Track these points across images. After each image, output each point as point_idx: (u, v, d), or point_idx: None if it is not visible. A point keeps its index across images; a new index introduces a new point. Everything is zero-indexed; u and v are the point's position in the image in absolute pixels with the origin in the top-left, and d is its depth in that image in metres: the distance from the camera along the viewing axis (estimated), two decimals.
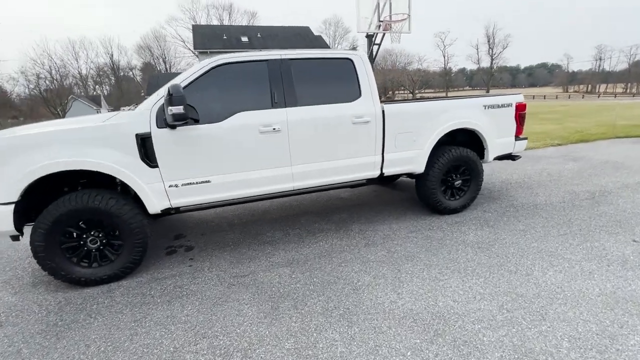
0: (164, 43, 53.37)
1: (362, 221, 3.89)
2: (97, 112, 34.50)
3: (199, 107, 2.80)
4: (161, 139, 2.69)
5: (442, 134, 3.61)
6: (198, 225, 4.10)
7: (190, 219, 4.34)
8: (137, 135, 2.63)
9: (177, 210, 2.97)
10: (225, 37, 25.40)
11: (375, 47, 10.36)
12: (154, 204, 2.77)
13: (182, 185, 2.83)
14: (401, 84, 44.21)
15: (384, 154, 3.45)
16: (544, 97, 44.64)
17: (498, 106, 3.87)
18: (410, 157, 3.58)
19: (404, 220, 3.84)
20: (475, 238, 3.30)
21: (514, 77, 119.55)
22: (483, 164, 3.96)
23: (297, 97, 3.08)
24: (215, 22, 50.83)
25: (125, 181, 2.64)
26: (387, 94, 59.25)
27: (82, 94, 48.62)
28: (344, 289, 2.53)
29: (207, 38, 24.69)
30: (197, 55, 25.92)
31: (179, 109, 2.48)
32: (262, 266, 2.95)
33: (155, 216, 3.07)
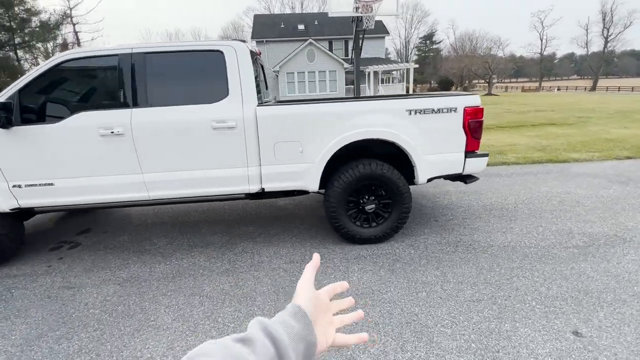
0: (241, 33, 56.96)
1: (258, 239, 3.37)
2: None
3: (42, 106, 2.68)
4: None
5: (342, 144, 2.83)
6: (117, 220, 4.11)
7: (118, 213, 4.38)
8: None
9: (33, 210, 2.94)
10: (282, 26, 25.72)
11: (361, 34, 9.06)
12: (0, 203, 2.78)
13: (26, 186, 2.76)
14: (475, 72, 38.81)
15: (262, 167, 2.88)
16: None
17: (432, 111, 2.88)
18: (296, 171, 2.91)
19: (308, 244, 3.21)
20: (355, 285, 2.52)
21: None
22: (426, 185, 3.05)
23: (147, 96, 2.71)
24: (288, 11, 52.03)
25: None
26: (462, 85, 53.43)
27: None
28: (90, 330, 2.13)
29: (265, 27, 25.33)
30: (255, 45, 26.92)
31: None
32: (100, 279, 2.74)
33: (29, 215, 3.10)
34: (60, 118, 2.67)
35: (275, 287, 2.54)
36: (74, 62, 2.70)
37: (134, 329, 2.14)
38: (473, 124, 2.93)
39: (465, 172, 3.08)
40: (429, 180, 3.06)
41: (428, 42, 67.66)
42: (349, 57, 25.85)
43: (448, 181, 4.83)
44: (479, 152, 3.09)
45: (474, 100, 2.91)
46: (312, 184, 2.91)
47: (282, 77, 22.21)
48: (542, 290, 2.37)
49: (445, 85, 54.36)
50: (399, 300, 2.33)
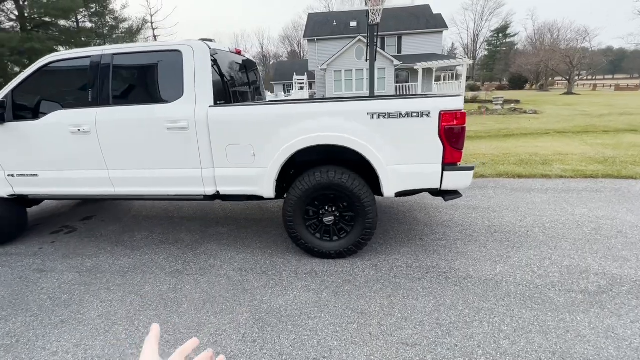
0: (300, 32, 58.33)
1: (224, 242, 3.31)
2: None
3: (29, 104, 2.96)
4: None
5: (294, 150, 2.60)
6: (118, 210, 4.42)
7: (122, 203, 4.72)
8: None
9: (27, 197, 3.27)
10: (335, 24, 25.48)
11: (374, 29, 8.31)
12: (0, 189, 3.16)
13: (17, 175, 3.09)
14: (554, 69, 33.53)
15: (215, 169, 2.79)
16: None
17: (398, 115, 2.47)
18: (250, 176, 2.76)
19: (268, 252, 3.05)
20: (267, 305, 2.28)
21: None
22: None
23: (111, 96, 2.80)
24: (347, 9, 51.71)
25: None
26: (538, 82, 47.37)
27: None
28: None
29: (318, 25, 25.36)
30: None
31: None
32: (68, 266, 2.92)
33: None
34: (43, 115, 2.93)
35: (208, 295, 2.44)
36: (57, 63, 2.93)
37: (61, 320, 2.24)
38: (451, 131, 2.46)
39: (445, 188, 2.61)
40: (400, 194, 2.67)
41: (500, 35, 61.30)
42: (401, 53, 24.69)
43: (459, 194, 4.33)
44: (461, 164, 2.60)
45: (453, 102, 2.44)
46: (266, 190, 2.74)
47: (329, 75, 22.09)
48: (502, 344, 1.88)
49: (517, 83, 48.81)
50: (322, 329, 2.05)
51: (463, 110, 2.46)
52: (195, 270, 2.80)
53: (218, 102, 2.83)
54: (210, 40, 2.91)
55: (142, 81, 2.84)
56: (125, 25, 29.13)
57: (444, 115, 2.43)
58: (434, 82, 23.41)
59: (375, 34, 9.10)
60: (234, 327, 2.10)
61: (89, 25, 25.56)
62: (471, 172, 2.58)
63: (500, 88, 47.52)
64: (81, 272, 2.85)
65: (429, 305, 2.25)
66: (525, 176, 5.25)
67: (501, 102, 15.83)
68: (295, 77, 21.59)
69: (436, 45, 24.95)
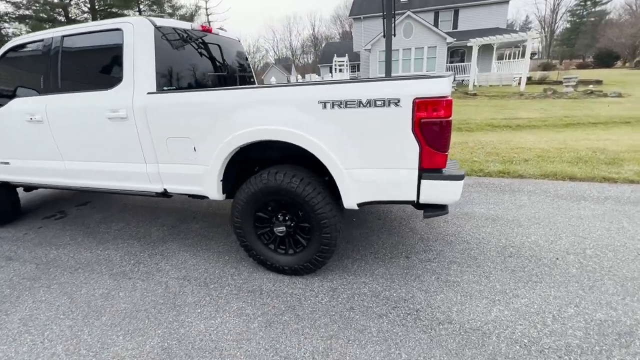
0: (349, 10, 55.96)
1: (187, 242, 3.03)
2: (287, 79, 41.49)
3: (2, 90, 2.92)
4: None
5: (232, 147, 2.14)
6: (113, 198, 4.45)
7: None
8: None
9: (9, 184, 3.32)
10: None
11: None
12: None
13: None
14: None
15: (159, 165, 2.47)
16: None
17: (358, 104, 1.85)
18: (193, 174, 2.38)
19: (223, 259, 2.70)
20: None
21: None
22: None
23: (60, 82, 2.61)
24: None
25: None
26: (634, 59, 39.51)
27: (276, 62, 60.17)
28: None
29: (365, 2, 23.70)
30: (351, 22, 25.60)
31: None
32: (34, 255, 2.90)
33: None
34: (8, 100, 2.87)
35: (134, 307, 2.17)
36: (19, 49, 2.83)
37: None
38: (429, 126, 1.79)
39: (424, 201, 1.97)
40: (362, 205, 2.09)
41: (589, 2, 52.00)
42: (457, 29, 22.13)
43: (474, 200, 3.54)
44: (446, 171, 1.92)
45: (433, 86, 1.75)
46: (211, 190, 2.36)
47: (373, 56, 20.71)
48: None
49: (604, 60, 41.35)
50: None
51: (449, 97, 1.77)
52: (140, 274, 2.57)
53: (166, 89, 2.48)
54: (161, 16, 2.55)
55: (87, 65, 2.60)
56: (180, 12, 30.74)
57: (419, 104, 1.77)
58: (494, 60, 20.75)
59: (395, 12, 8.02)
60: (134, 355, 1.80)
61: (149, 14, 27.41)
62: (460, 182, 1.89)
63: (582, 66, 40.76)
64: (39, 265, 2.81)
65: (375, 358, 1.71)
66: (580, 179, 4.14)
67: (573, 83, 13.31)
68: (335, 59, 20.66)
69: (500, 18, 21.87)
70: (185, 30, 2.75)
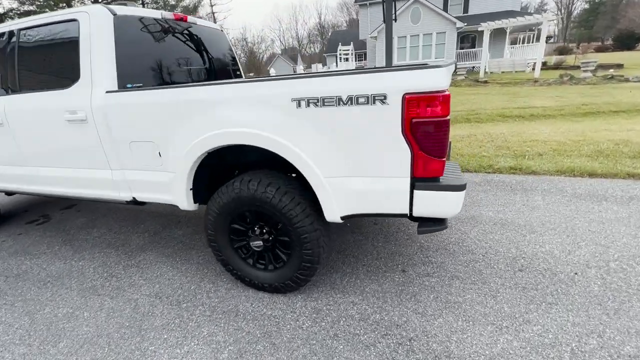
0: None
1: (166, 251, 2.81)
2: (293, 70, 40.84)
3: None
4: None
5: (202, 150, 1.87)
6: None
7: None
8: None
9: None
10: None
11: None
12: None
13: None
14: None
15: (125, 171, 2.23)
16: None
17: (337, 102, 1.55)
18: (159, 181, 2.13)
19: (201, 273, 2.47)
20: None
21: None
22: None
23: (18, 81, 2.37)
24: None
25: None
26: None
27: (282, 52, 59.17)
28: None
29: None
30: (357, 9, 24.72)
31: None
32: (5, 267, 2.72)
33: None
34: None
35: (96, 332, 1.96)
36: None
37: None
38: (423, 127, 1.48)
39: (418, 214, 1.68)
40: (347, 218, 1.81)
41: None
42: (468, 13, 21.16)
43: (482, 201, 3.33)
44: (445, 179, 1.62)
45: (427, 79, 1.44)
46: (180, 200, 2.11)
47: (380, 44, 19.96)
48: None
49: (625, 43, 39.34)
50: None
51: (446, 92, 1.46)
52: (110, 290, 2.37)
53: (131, 86, 2.22)
54: (124, 4, 2.27)
55: (44, 62, 2.35)
56: (183, 3, 30.35)
57: (410, 101, 1.46)
58: (507, 45, 19.83)
59: None
60: None
61: (152, 6, 27.15)
62: (461, 194, 1.59)
63: (601, 50, 38.90)
64: (8, 278, 2.64)
65: None
66: (601, 175, 3.76)
67: (592, 68, 12.55)
68: (340, 47, 20.03)
69: (513, 0, 20.81)
70: (154, 20, 2.48)
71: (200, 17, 3.03)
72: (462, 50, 20.65)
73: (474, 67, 20.05)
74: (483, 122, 7.06)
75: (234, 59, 3.48)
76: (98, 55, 2.09)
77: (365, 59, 27.34)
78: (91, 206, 4.07)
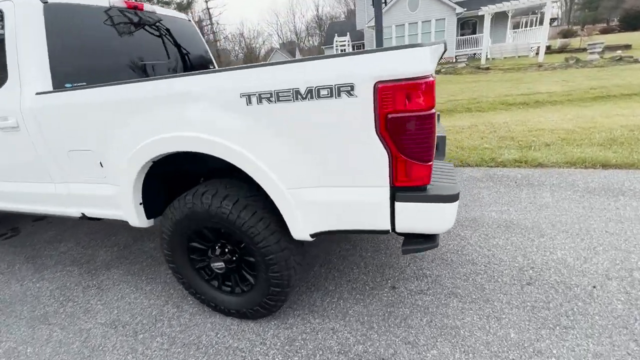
0: None
1: (133, 269, 2.53)
2: None
3: None
4: None
5: (145, 160, 1.57)
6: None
7: None
8: None
9: None
10: None
11: None
12: None
13: None
14: None
15: (69, 184, 1.94)
16: None
17: (296, 96, 1.24)
18: (105, 195, 1.84)
19: (166, 295, 2.20)
20: None
21: None
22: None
23: None
24: None
25: None
26: None
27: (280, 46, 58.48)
28: None
29: None
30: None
31: None
32: None
33: None
34: None
35: None
36: None
37: None
38: (402, 123, 1.17)
39: (402, 230, 1.37)
40: (318, 235, 1.51)
41: None
42: None
43: (484, 199, 3.04)
44: (433, 187, 1.31)
45: (402, 62, 1.12)
46: (130, 216, 1.82)
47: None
48: None
49: (631, 23, 38.21)
50: None
51: (430, 78, 1.14)
52: (63, 317, 2.10)
53: (70, 85, 1.92)
54: None
55: None
56: (177, 0, 29.92)
57: (383, 92, 1.15)
58: (509, 29, 19.20)
59: None
60: None
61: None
62: (453, 205, 1.28)
63: (606, 31, 37.74)
64: None
65: None
66: (615, 166, 3.41)
67: (599, 50, 12.00)
68: (336, 38, 19.50)
69: None
70: (100, 9, 2.16)
71: (163, 6, 2.70)
72: (462, 37, 20.03)
73: (475, 54, 19.47)
74: (485, 111, 6.68)
75: (206, 52, 3.16)
76: (26, 51, 1.78)
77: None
78: (63, 217, 3.82)
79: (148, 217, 1.88)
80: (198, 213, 1.61)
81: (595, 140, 4.07)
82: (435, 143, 1.41)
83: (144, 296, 2.22)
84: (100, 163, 1.74)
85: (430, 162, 1.23)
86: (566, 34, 30.84)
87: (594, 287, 1.86)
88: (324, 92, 1.21)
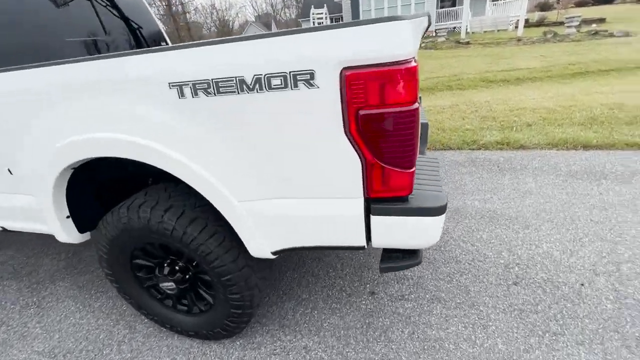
0: None
1: (84, 279, 2.23)
2: None
3: None
4: None
5: (64, 165, 1.26)
6: None
7: None
8: None
9: None
10: None
11: None
12: None
13: None
14: None
15: None
16: None
17: (239, 86, 0.96)
18: (20, 206, 1.52)
19: (114, 310, 1.95)
20: None
21: None
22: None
23: None
24: None
25: None
26: None
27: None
28: None
29: None
30: None
31: None
32: None
33: None
34: None
35: None
36: None
37: None
38: (377, 121, 0.92)
39: (377, 245, 1.16)
40: (281, 253, 1.28)
41: None
42: None
43: (466, 187, 2.88)
44: (416, 197, 1.09)
45: (378, 42, 0.86)
46: (56, 231, 1.52)
47: (354, 5, 18.59)
48: None
49: None
50: None
51: (413, 63, 0.88)
52: (3, 343, 1.82)
53: None
54: None
55: None
56: None
57: (353, 81, 0.89)
58: (488, 2, 18.85)
59: None
60: None
61: None
62: (439, 218, 1.07)
63: (580, 4, 38.06)
64: None
65: None
66: (596, 146, 3.34)
67: (576, 24, 11.97)
68: (312, 10, 18.48)
69: None
70: None
71: None
72: (442, 10, 19.50)
73: (454, 28, 19.09)
74: (465, 89, 6.51)
75: (157, 26, 2.73)
76: None
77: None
78: None
79: (82, 231, 1.58)
80: (135, 229, 1.33)
81: (576, 120, 3.98)
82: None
83: (92, 315, 1.94)
84: (9, 170, 1.40)
85: (412, 168, 1.00)
86: (543, 7, 30.86)
87: (582, 285, 1.76)
88: (276, 82, 0.92)
